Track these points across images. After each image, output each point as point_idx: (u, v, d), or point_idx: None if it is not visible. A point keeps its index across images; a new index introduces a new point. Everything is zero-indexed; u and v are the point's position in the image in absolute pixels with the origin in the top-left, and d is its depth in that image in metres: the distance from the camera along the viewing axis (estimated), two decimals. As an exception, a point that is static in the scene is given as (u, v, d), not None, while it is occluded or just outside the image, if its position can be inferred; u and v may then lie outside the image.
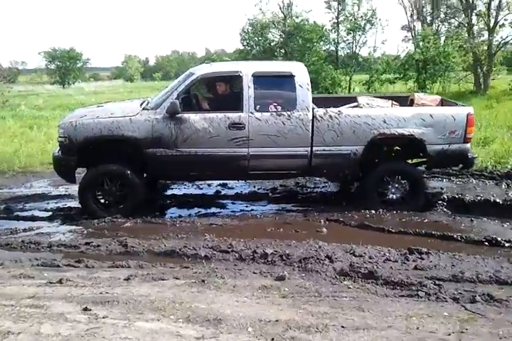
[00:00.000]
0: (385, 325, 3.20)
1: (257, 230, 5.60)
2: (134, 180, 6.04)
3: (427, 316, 3.34)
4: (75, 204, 6.78)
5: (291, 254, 4.65)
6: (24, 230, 5.76)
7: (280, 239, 5.19)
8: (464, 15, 22.61)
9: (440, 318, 3.31)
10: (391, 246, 4.90)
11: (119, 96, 25.25)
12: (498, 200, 6.32)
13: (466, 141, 6.18)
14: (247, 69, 6.20)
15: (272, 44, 23.10)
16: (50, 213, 6.45)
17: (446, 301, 3.62)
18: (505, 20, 20.84)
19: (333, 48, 23.53)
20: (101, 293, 3.80)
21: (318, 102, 6.44)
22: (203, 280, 4.01)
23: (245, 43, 23.41)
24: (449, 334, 3.08)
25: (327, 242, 4.99)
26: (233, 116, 6.00)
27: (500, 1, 20.82)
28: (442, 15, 25.77)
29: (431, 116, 6.10)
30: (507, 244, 5.00)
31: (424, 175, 7.03)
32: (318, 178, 7.77)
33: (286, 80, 6.17)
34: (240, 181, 7.68)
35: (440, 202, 6.38)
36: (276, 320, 3.28)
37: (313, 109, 6.09)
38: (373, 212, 6.11)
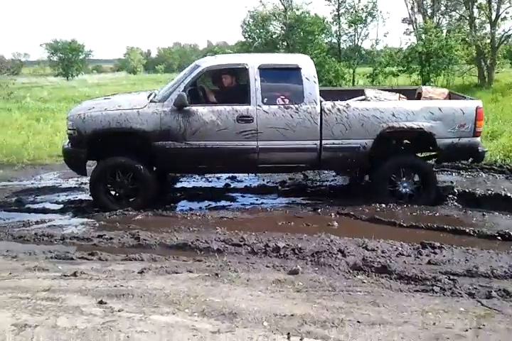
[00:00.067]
0: (401, 321, 3.20)
1: (267, 223, 5.60)
2: (145, 173, 6.03)
3: (443, 311, 3.32)
4: (85, 196, 6.82)
5: (304, 248, 4.65)
6: (36, 222, 5.78)
7: (291, 232, 5.18)
8: (465, 8, 22.38)
9: (456, 314, 3.30)
10: (403, 240, 4.88)
11: (122, 89, 25.25)
12: (509, 194, 6.29)
13: (475, 135, 6.15)
14: (253, 61, 6.17)
15: (273, 36, 23.02)
16: (62, 205, 6.47)
17: (461, 296, 3.61)
18: (506, 13, 20.61)
19: (335, 41, 23.40)
20: (115, 286, 3.80)
21: (324, 95, 6.40)
22: (217, 274, 4.01)
23: (247, 35, 23.32)
24: (466, 330, 3.07)
25: (339, 236, 4.99)
26: (241, 108, 5.98)
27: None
28: (443, 8, 25.52)
29: (440, 109, 6.06)
30: (520, 239, 4.98)
31: (434, 169, 7.01)
32: (326, 171, 7.77)
33: (293, 73, 6.14)
34: (249, 174, 7.67)
35: (451, 196, 6.35)
36: (292, 315, 3.28)
37: (321, 102, 6.06)
38: (383, 205, 6.10)
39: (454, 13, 24.71)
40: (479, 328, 3.11)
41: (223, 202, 6.61)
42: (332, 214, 5.93)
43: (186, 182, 7.69)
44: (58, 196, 6.97)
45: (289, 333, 3.05)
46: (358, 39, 23.07)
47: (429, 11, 25.12)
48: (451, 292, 3.69)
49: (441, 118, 6.04)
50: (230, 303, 3.46)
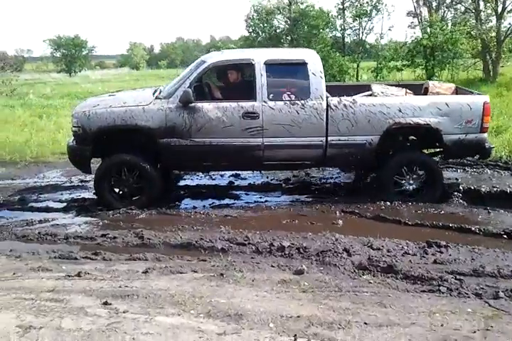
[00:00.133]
0: (408, 322, 3.17)
1: (272, 222, 5.57)
2: (150, 171, 6.00)
3: (450, 312, 3.29)
4: (88, 195, 6.80)
5: (309, 247, 4.61)
6: (40, 221, 5.76)
7: (296, 231, 5.15)
8: (470, 1, 22.20)
9: (464, 315, 3.27)
10: (409, 238, 4.85)
11: (125, 85, 25.22)
12: (515, 192, 6.24)
13: (482, 131, 6.08)
14: (260, 56, 6.11)
15: (277, 31, 22.89)
16: (65, 204, 6.45)
17: (468, 297, 3.58)
18: (513, 6, 20.44)
19: (339, 35, 23.28)
20: (120, 287, 3.78)
21: (330, 90, 6.33)
22: (222, 274, 3.99)
23: (251, 30, 23.21)
24: (474, 332, 3.04)
25: (344, 235, 4.95)
26: (247, 105, 5.93)
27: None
28: (448, 1, 25.35)
29: (447, 104, 6.00)
30: (527, 237, 4.94)
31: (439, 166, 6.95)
32: (330, 169, 7.73)
33: (299, 68, 6.07)
34: (253, 172, 7.62)
35: (456, 193, 6.31)
36: (298, 316, 3.25)
37: (327, 97, 6.01)
38: (388, 203, 6.05)
39: (459, 6, 24.55)
40: (487, 330, 3.08)
41: (227, 200, 6.58)
42: (336, 212, 5.89)
43: (190, 180, 7.65)
44: (61, 194, 6.95)
45: (295, 335, 3.03)
46: (362, 33, 22.98)
47: (434, 4, 24.98)
48: (457, 292, 3.65)
49: (448, 114, 5.97)
50: (236, 304, 3.44)
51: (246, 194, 6.87)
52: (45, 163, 8.81)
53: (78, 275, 4.02)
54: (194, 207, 6.28)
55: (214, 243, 4.82)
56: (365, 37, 23.24)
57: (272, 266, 4.24)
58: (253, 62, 6.01)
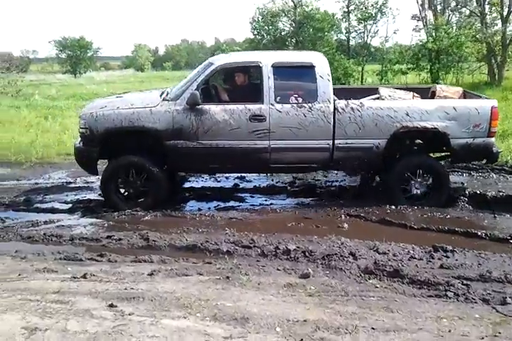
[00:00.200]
0: (416, 327, 3.15)
1: (277, 225, 5.56)
2: (156, 173, 6.01)
3: (457, 318, 3.28)
4: (94, 196, 6.81)
5: (314, 251, 4.60)
6: (45, 222, 5.76)
7: (301, 234, 5.13)
8: (475, 4, 22.17)
9: (471, 320, 3.25)
10: (415, 243, 4.83)
11: (130, 86, 25.28)
12: (521, 196, 6.21)
13: (490, 135, 6.06)
14: (267, 59, 6.10)
15: (282, 33, 22.86)
16: (70, 205, 6.45)
17: (475, 302, 3.56)
18: (518, 9, 20.38)
19: (344, 38, 23.26)
20: (126, 289, 3.78)
21: (337, 93, 6.32)
22: (228, 277, 3.97)
23: (256, 32, 23.18)
24: (482, 338, 3.02)
25: (349, 238, 4.94)
26: (254, 107, 5.93)
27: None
28: (453, 4, 25.32)
29: (454, 108, 5.98)
30: (533, 243, 4.91)
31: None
32: (336, 172, 7.71)
33: (307, 71, 6.06)
34: (259, 174, 7.62)
35: (462, 197, 6.28)
36: (305, 320, 3.24)
37: (334, 100, 6.00)
38: (394, 207, 6.03)
39: (464, 9, 24.52)
40: (495, 336, 3.06)
41: (232, 203, 6.57)
42: (342, 215, 5.88)
43: (195, 182, 7.65)
44: (67, 195, 6.95)
45: (302, 339, 3.02)
46: (367, 36, 22.93)
47: (439, 7, 24.95)
48: (465, 298, 3.64)
49: (456, 118, 5.95)
50: (242, 307, 3.43)
51: (251, 196, 6.86)
52: (50, 164, 8.82)
53: (84, 276, 4.02)
54: (199, 209, 6.28)
55: (219, 245, 4.81)
56: (370, 40, 23.21)
57: (278, 270, 4.23)
58: (261, 65, 6.01)
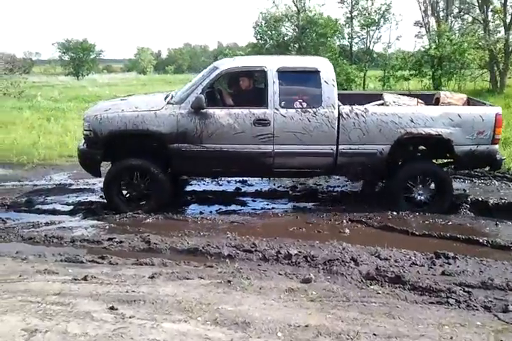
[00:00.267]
0: (418, 334, 3.13)
1: (279, 229, 5.55)
2: (160, 176, 6.01)
3: (459, 325, 3.26)
4: (95, 198, 6.82)
5: (316, 256, 4.59)
6: (46, 224, 5.76)
7: (303, 239, 5.13)
8: (478, 11, 22.23)
9: (473, 328, 3.23)
10: (416, 249, 4.82)
11: (132, 89, 25.31)
12: (523, 204, 6.20)
13: (494, 142, 6.06)
14: (272, 64, 6.11)
15: (285, 38, 22.90)
16: (72, 207, 6.45)
17: (477, 309, 3.54)
18: (522, 17, 20.42)
19: (347, 43, 23.30)
20: (127, 292, 3.76)
21: (341, 99, 6.32)
22: (229, 281, 3.96)
23: (259, 37, 23.22)
24: (485, 346, 3.02)
25: (351, 244, 4.92)
26: (258, 112, 5.93)
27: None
28: (456, 11, 25.38)
29: (459, 115, 5.98)
30: (535, 251, 4.90)
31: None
32: (338, 177, 7.70)
33: (312, 76, 6.07)
34: (262, 178, 7.61)
35: (464, 204, 6.28)
36: (306, 325, 3.22)
37: (338, 106, 6.00)
38: (396, 213, 6.03)
39: (466, 16, 24.58)
40: (497, 344, 3.04)
41: (234, 207, 6.57)
42: (344, 220, 5.87)
43: (197, 186, 7.65)
44: (68, 197, 6.95)
45: (303, 344, 3.01)
46: (370, 42, 22.99)
47: (442, 14, 25.01)
48: (466, 305, 3.62)
49: (460, 125, 5.95)
50: (243, 312, 3.41)
51: (253, 200, 6.85)
52: (52, 166, 8.84)
53: (84, 279, 4.01)
54: (201, 213, 6.27)
55: (221, 249, 4.81)
56: (373, 46, 23.26)
57: (279, 274, 4.22)
58: (266, 70, 6.02)
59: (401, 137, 5.94)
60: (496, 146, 6.15)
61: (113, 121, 5.98)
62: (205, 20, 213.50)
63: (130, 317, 3.34)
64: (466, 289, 3.86)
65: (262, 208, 6.51)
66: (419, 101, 6.63)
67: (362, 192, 7.24)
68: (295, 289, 3.85)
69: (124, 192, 6.18)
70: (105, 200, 6.31)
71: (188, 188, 7.51)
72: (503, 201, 6.34)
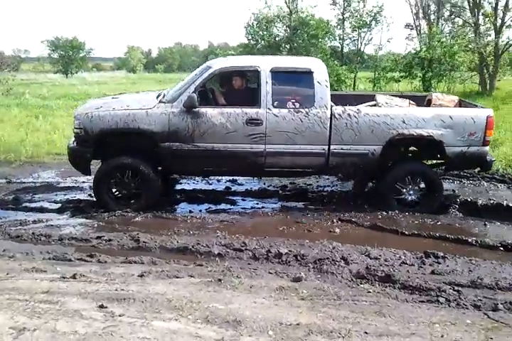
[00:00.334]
0: (409, 332, 3.14)
1: (269, 228, 5.55)
2: (150, 175, 5.98)
3: (450, 324, 3.27)
4: (84, 196, 6.75)
5: (306, 255, 4.59)
6: (34, 222, 5.69)
7: (293, 238, 5.13)
8: (469, 14, 22.46)
9: (463, 326, 3.25)
10: (406, 248, 4.84)
11: (122, 87, 25.19)
12: (510, 204, 6.24)
13: (485, 144, 6.10)
14: (266, 64, 6.10)
15: (276, 39, 22.93)
16: (59, 205, 6.38)
17: (467, 308, 3.56)
18: (512, 21, 20.70)
19: (338, 44, 23.41)
20: (116, 290, 3.72)
21: (333, 99, 6.32)
22: (219, 280, 3.93)
23: (250, 37, 23.23)
24: (475, 344, 3.03)
25: (341, 243, 4.93)
26: (251, 111, 5.92)
27: (507, 2, 20.68)
28: (447, 14, 25.64)
29: (450, 117, 6.01)
30: (523, 250, 4.94)
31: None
32: (328, 177, 7.71)
33: (305, 77, 6.07)
34: (253, 178, 7.59)
35: (453, 204, 6.32)
36: (297, 324, 3.21)
37: (331, 106, 6.01)
38: (385, 213, 6.05)
39: (457, 19, 24.83)
40: (487, 342, 3.06)
41: (223, 206, 6.54)
42: (334, 220, 5.87)
43: (186, 184, 7.62)
44: (56, 195, 6.87)
45: (294, 343, 2.99)
46: (361, 44, 23.12)
47: (433, 17, 25.26)
48: (456, 303, 3.64)
49: (452, 127, 5.98)
50: (234, 310, 3.39)
51: (243, 199, 6.83)
52: (39, 163, 8.73)
53: (73, 277, 3.96)
54: (190, 212, 6.24)
55: (211, 248, 4.78)
56: (364, 47, 23.40)
57: (270, 273, 4.20)
58: (259, 70, 6.01)
59: (393, 138, 5.97)
60: (487, 148, 6.20)
61: (104, 119, 5.93)
62: (196, 19, 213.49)
63: (120, 316, 3.30)
64: (456, 288, 3.88)
65: (251, 207, 6.50)
66: (411, 102, 6.66)
67: (352, 191, 7.25)
68: (286, 288, 3.84)
69: (114, 190, 6.14)
70: (94, 198, 6.26)
71: (178, 187, 7.48)
72: (491, 202, 6.39)
